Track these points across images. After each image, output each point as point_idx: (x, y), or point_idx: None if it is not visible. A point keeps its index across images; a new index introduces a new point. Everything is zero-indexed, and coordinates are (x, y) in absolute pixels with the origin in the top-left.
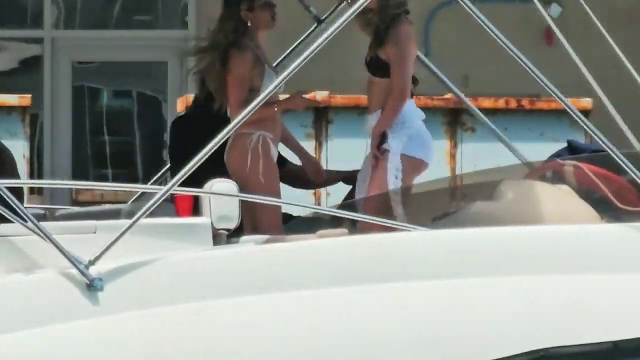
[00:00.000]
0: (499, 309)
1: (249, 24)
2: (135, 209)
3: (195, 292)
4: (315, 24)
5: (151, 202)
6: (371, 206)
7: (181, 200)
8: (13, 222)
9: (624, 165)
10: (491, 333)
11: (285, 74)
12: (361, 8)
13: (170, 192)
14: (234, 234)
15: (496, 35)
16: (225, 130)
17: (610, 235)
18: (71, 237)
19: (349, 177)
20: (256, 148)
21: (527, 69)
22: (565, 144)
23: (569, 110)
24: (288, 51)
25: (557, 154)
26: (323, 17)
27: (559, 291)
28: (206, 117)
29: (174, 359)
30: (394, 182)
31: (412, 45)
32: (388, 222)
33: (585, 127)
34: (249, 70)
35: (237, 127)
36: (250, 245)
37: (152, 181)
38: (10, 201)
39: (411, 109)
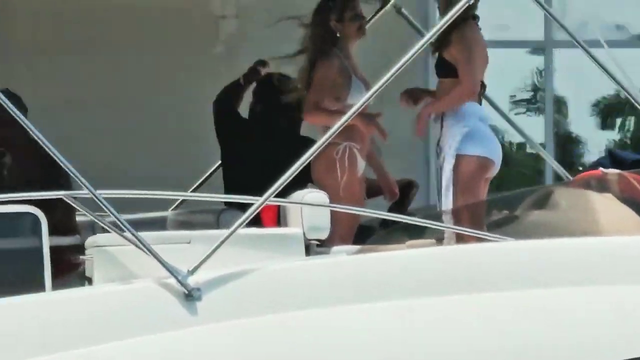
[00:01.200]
0: (590, 317)
1: (337, 35)
2: (189, 218)
3: (293, 302)
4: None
5: (249, 212)
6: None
7: (267, 210)
8: (110, 232)
9: None
10: (584, 342)
11: (375, 88)
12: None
13: (267, 202)
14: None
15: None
16: (319, 141)
17: None
18: (166, 247)
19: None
20: (343, 158)
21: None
22: None
23: None
24: None
25: (599, 163)
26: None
27: None
28: (267, 127)
29: None
30: (447, 184)
31: (480, 49)
32: (476, 233)
33: None
34: (333, 79)
35: (329, 138)
36: (343, 256)
37: (195, 186)
38: (109, 211)
39: (469, 110)
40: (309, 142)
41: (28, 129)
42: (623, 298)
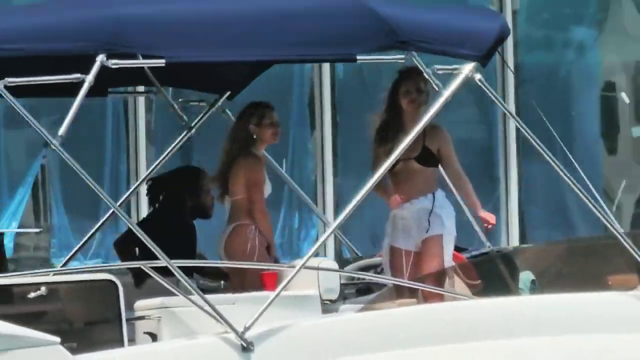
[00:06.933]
0: None
1: (254, 137)
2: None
3: (327, 351)
4: (186, 131)
5: (291, 275)
6: (433, 280)
7: (268, 276)
8: (178, 295)
9: (626, 245)
10: None
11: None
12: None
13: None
14: None
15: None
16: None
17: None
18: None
19: None
20: (254, 236)
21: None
22: None
23: (561, 173)
24: (161, 158)
25: None
26: (193, 124)
27: None
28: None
29: None
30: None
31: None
32: (454, 293)
33: (585, 199)
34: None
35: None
36: (352, 314)
37: None
38: (181, 278)
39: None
40: None
41: None
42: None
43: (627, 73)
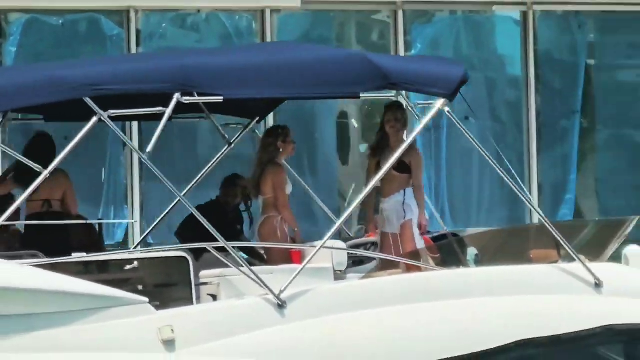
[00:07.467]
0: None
1: (280, 150)
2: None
3: (341, 307)
4: (227, 146)
5: (315, 251)
6: (411, 256)
7: (295, 254)
8: (231, 267)
9: (554, 234)
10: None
11: (370, 186)
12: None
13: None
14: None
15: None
16: (355, 202)
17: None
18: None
19: None
20: (280, 225)
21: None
22: None
23: (513, 185)
24: (203, 172)
25: None
26: (232, 140)
27: None
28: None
29: (340, 347)
30: (419, 239)
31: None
32: (426, 265)
33: (526, 201)
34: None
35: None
36: (357, 281)
37: (134, 245)
38: (234, 254)
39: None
40: None
41: None
42: None
43: (357, 105)
